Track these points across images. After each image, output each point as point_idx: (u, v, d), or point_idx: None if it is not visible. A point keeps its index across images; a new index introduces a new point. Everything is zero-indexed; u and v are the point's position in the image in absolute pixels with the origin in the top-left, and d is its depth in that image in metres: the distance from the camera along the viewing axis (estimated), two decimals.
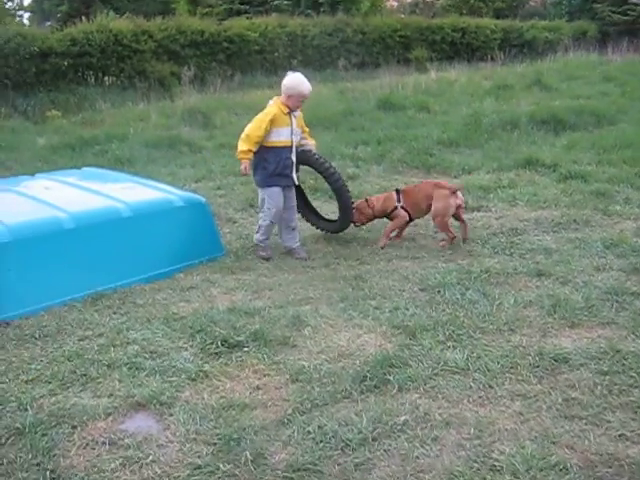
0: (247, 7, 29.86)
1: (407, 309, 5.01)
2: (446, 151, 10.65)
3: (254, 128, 6.38)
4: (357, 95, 16.79)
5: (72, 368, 4.35)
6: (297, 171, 6.72)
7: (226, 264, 6.32)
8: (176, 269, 6.12)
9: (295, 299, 5.34)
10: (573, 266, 5.80)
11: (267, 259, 6.51)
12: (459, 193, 6.81)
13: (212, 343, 4.55)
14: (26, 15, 49.60)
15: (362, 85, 18.93)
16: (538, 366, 4.15)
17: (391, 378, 4.03)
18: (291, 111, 6.50)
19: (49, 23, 44.50)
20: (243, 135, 6.43)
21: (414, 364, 4.19)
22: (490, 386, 3.96)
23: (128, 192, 6.53)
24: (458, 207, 6.76)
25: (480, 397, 3.86)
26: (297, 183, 6.73)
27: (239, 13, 28.14)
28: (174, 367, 4.29)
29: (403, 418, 3.64)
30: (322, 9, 26.09)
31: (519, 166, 9.48)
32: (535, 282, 5.52)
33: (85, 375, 4.26)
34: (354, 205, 6.93)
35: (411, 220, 6.96)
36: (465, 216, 7.41)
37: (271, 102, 6.61)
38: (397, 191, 6.98)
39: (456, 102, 15.29)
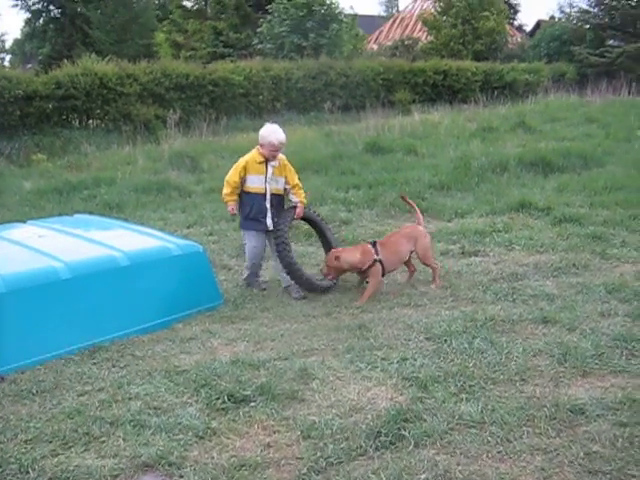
0: (230, 50, 30.06)
1: (415, 359, 4.90)
2: (437, 194, 10.64)
3: (231, 174, 6.90)
4: (344, 138, 16.80)
5: (73, 426, 4.19)
6: (285, 219, 6.92)
7: (225, 313, 6.21)
8: (174, 319, 6.01)
9: (300, 350, 5.22)
10: (578, 312, 5.72)
11: (262, 289, 6.96)
12: None
13: (218, 398, 4.41)
14: (7, 57, 49.75)
15: (348, 128, 18.99)
16: (555, 418, 4.04)
17: (406, 433, 3.91)
18: (267, 160, 6.81)
19: (30, 65, 44.63)
20: (225, 179, 6.97)
21: (428, 418, 4.07)
22: (508, 440, 3.84)
23: (124, 240, 6.42)
24: None
25: (499, 452, 3.74)
26: (271, 228, 6.87)
27: (223, 56, 28.30)
28: (180, 424, 4.14)
29: (423, 476, 3.52)
30: (305, 52, 26.27)
31: (512, 209, 9.47)
32: (541, 329, 5.44)
33: (87, 434, 4.10)
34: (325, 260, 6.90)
35: (383, 275, 6.73)
36: (463, 261, 7.47)
37: (254, 149, 6.97)
38: (373, 243, 6.75)
39: (442, 144, 15.33)
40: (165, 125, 18.79)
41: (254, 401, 4.40)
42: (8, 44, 50.05)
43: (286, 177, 7.01)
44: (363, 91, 25.62)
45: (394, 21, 50.51)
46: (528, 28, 52.20)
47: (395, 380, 4.61)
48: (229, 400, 4.39)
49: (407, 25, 47.71)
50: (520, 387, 4.47)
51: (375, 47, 43.15)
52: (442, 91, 28.18)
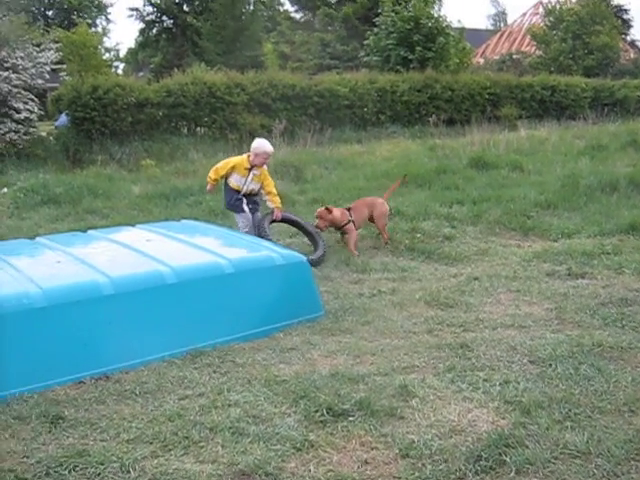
0: (337, 62, 30.21)
1: (518, 383, 4.77)
2: (544, 213, 10.36)
3: (222, 167, 8.58)
4: (448, 152, 16.65)
5: (173, 429, 4.27)
6: (254, 209, 8.69)
7: (325, 325, 6.19)
8: (275, 328, 6.02)
9: (400, 366, 5.15)
10: None
11: None
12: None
13: (316, 411, 4.40)
14: (121, 66, 51.56)
15: (452, 142, 18.79)
16: None
17: (507, 459, 3.80)
18: (252, 168, 8.42)
19: (142, 73, 46.19)
20: (214, 167, 8.67)
21: (531, 445, 3.94)
22: (615, 474, 3.68)
23: (229, 248, 6.53)
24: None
25: None
26: (246, 212, 8.55)
27: (329, 68, 28.46)
28: (278, 434, 4.15)
29: None
30: (412, 65, 26.14)
31: (622, 231, 9.13)
32: None
33: (187, 438, 4.17)
34: (316, 213, 8.89)
35: (357, 229, 9.02)
36: (570, 283, 7.29)
37: (244, 155, 8.62)
38: (348, 209, 8.99)
39: (549, 162, 15.00)
40: (270, 134, 19.00)
41: (352, 416, 4.37)
42: (122, 53, 51.81)
43: (262, 183, 8.60)
44: (469, 105, 25.31)
45: (502, 35, 49.93)
46: None
47: (497, 403, 4.50)
48: (328, 413, 4.37)
49: (515, 39, 47.10)
50: (629, 418, 4.28)
51: (481, 61, 42.70)
52: (550, 107, 27.55)
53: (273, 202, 8.64)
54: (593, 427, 4.16)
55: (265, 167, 8.65)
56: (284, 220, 8.99)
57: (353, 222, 8.88)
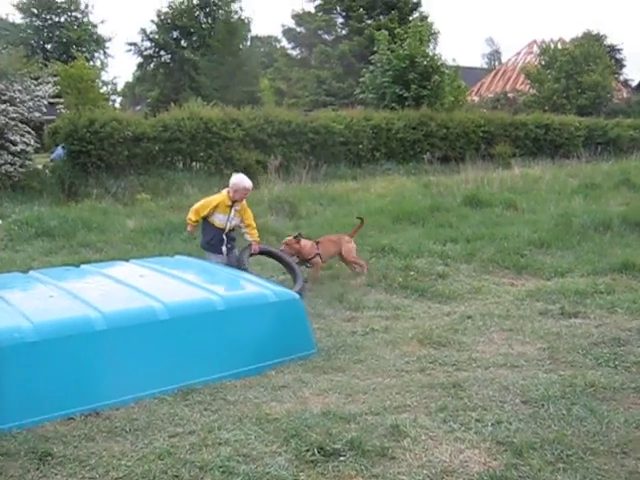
0: (332, 99, 30.38)
1: (510, 423, 4.74)
2: (537, 252, 10.40)
3: (202, 207, 8.47)
4: (442, 190, 16.74)
5: (163, 467, 4.23)
6: (231, 247, 8.62)
7: (317, 363, 6.17)
8: (267, 366, 6.01)
9: (391, 406, 5.12)
10: None
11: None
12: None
13: (307, 450, 4.36)
14: (118, 100, 51.91)
15: (446, 179, 18.90)
16: None
17: None
18: (233, 204, 8.39)
19: (139, 107, 46.54)
20: (194, 208, 8.55)
21: None
22: None
23: (222, 284, 6.54)
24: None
25: None
26: (224, 254, 8.46)
27: (325, 105, 28.64)
28: (268, 474, 4.12)
29: None
30: (407, 103, 26.33)
31: (615, 270, 9.16)
32: None
33: (177, 476, 4.13)
34: (284, 240, 9.23)
35: (323, 262, 9.41)
36: (563, 322, 7.31)
37: (223, 191, 8.56)
38: (316, 242, 9.31)
39: (543, 200, 15.10)
40: (266, 170, 19.07)
41: (343, 455, 4.33)
42: (120, 87, 52.25)
43: (242, 217, 8.60)
44: (463, 143, 25.48)
45: (496, 73, 50.53)
46: (634, 83, 51.34)
47: (489, 444, 4.47)
48: (319, 453, 4.33)
49: (509, 78, 47.67)
50: (621, 460, 4.26)
51: (476, 99, 43.13)
52: (543, 145, 27.78)
53: (251, 235, 8.70)
54: (585, 469, 4.14)
55: (244, 201, 8.62)
56: (262, 253, 9.04)
57: (320, 256, 9.22)
